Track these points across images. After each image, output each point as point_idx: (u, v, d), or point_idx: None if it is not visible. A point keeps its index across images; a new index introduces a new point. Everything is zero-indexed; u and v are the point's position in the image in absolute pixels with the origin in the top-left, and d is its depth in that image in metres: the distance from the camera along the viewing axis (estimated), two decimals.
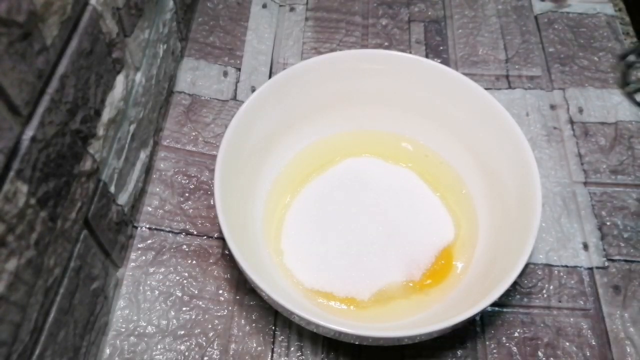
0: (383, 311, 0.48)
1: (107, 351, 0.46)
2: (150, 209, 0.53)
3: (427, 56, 0.65)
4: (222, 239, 0.51)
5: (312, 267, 0.50)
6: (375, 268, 0.50)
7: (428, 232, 0.52)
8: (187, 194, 0.54)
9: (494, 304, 0.41)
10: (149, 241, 0.51)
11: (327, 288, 0.49)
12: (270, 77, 0.63)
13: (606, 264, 0.52)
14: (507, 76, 0.64)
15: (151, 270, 0.50)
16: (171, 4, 0.56)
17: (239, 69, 0.63)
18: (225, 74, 0.62)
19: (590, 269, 0.52)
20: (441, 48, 0.66)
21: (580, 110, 0.61)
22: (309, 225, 0.52)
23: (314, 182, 0.55)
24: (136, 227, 0.52)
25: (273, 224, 0.52)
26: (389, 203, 0.53)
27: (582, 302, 0.50)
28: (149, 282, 0.49)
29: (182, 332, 0.47)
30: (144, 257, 0.50)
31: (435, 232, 0.52)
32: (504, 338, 0.48)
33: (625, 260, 0.52)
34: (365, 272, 0.49)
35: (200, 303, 0.49)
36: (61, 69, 0.34)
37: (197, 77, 0.62)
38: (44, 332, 0.35)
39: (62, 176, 0.35)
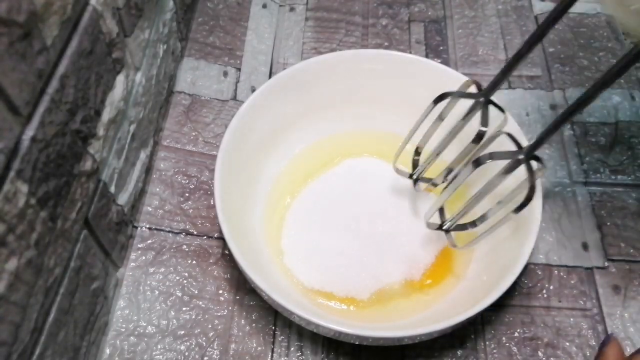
0: (383, 311, 0.48)
1: (107, 351, 0.46)
2: (150, 209, 0.53)
3: (427, 56, 0.65)
4: (222, 239, 0.51)
5: (312, 267, 0.50)
6: (375, 268, 0.50)
7: (428, 231, 0.52)
8: (187, 194, 0.54)
9: (494, 304, 0.41)
10: (149, 241, 0.51)
11: (327, 288, 0.49)
12: (270, 77, 0.63)
13: (606, 264, 0.52)
14: None
15: (151, 270, 0.50)
16: (171, 4, 0.56)
17: (239, 69, 0.63)
18: (225, 74, 0.62)
19: (590, 269, 0.52)
20: (441, 48, 0.66)
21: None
22: (309, 226, 0.52)
23: (314, 182, 0.55)
24: (136, 227, 0.52)
25: (273, 224, 0.52)
26: (389, 203, 0.53)
27: (582, 302, 0.50)
28: (149, 282, 0.49)
29: (182, 332, 0.47)
30: (144, 257, 0.50)
31: (435, 232, 0.52)
32: (504, 338, 0.48)
33: (625, 260, 0.52)
34: (365, 272, 0.49)
35: (200, 303, 0.49)
36: (61, 69, 0.34)
37: (197, 77, 0.62)
38: (44, 332, 0.35)
39: (62, 176, 0.35)
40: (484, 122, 0.42)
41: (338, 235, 0.51)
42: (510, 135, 0.43)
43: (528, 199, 0.40)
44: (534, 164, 0.40)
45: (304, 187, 0.54)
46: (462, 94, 0.44)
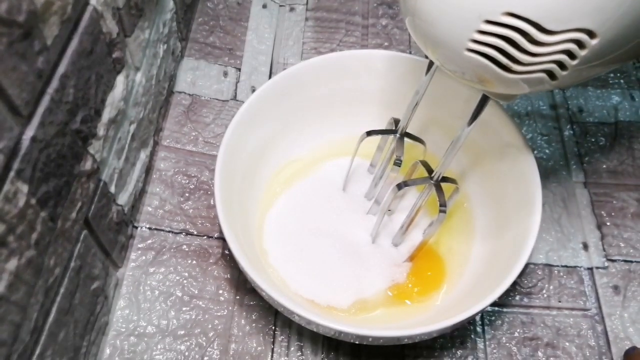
0: (367, 319, 0.48)
1: (107, 351, 0.46)
2: (150, 209, 0.53)
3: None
4: (222, 238, 0.51)
5: (296, 273, 0.49)
6: (357, 277, 0.49)
7: (407, 232, 0.51)
8: (187, 194, 0.54)
9: (493, 304, 0.41)
10: (149, 241, 0.51)
11: (309, 295, 0.48)
12: (270, 77, 0.63)
13: (606, 264, 0.52)
14: None
15: (151, 270, 0.50)
16: (171, 4, 0.56)
17: (239, 69, 0.63)
18: (226, 74, 0.62)
19: (590, 269, 0.52)
20: None
21: (580, 110, 0.61)
22: (291, 228, 0.51)
23: (303, 182, 0.54)
24: (136, 227, 0.52)
25: (263, 225, 0.52)
26: (369, 205, 0.53)
27: (582, 302, 0.50)
28: (149, 282, 0.49)
29: (182, 332, 0.47)
30: (144, 257, 0.50)
31: (415, 230, 0.52)
32: (503, 338, 0.48)
33: (625, 261, 0.52)
34: (345, 282, 0.49)
35: (200, 303, 0.49)
36: (61, 68, 0.34)
37: (197, 77, 0.62)
38: (44, 332, 0.35)
39: (63, 176, 0.35)
40: (399, 152, 0.49)
41: (318, 241, 0.51)
42: (424, 163, 0.49)
43: (442, 212, 0.46)
44: (446, 184, 0.47)
45: (291, 188, 0.54)
46: (381, 131, 0.51)
